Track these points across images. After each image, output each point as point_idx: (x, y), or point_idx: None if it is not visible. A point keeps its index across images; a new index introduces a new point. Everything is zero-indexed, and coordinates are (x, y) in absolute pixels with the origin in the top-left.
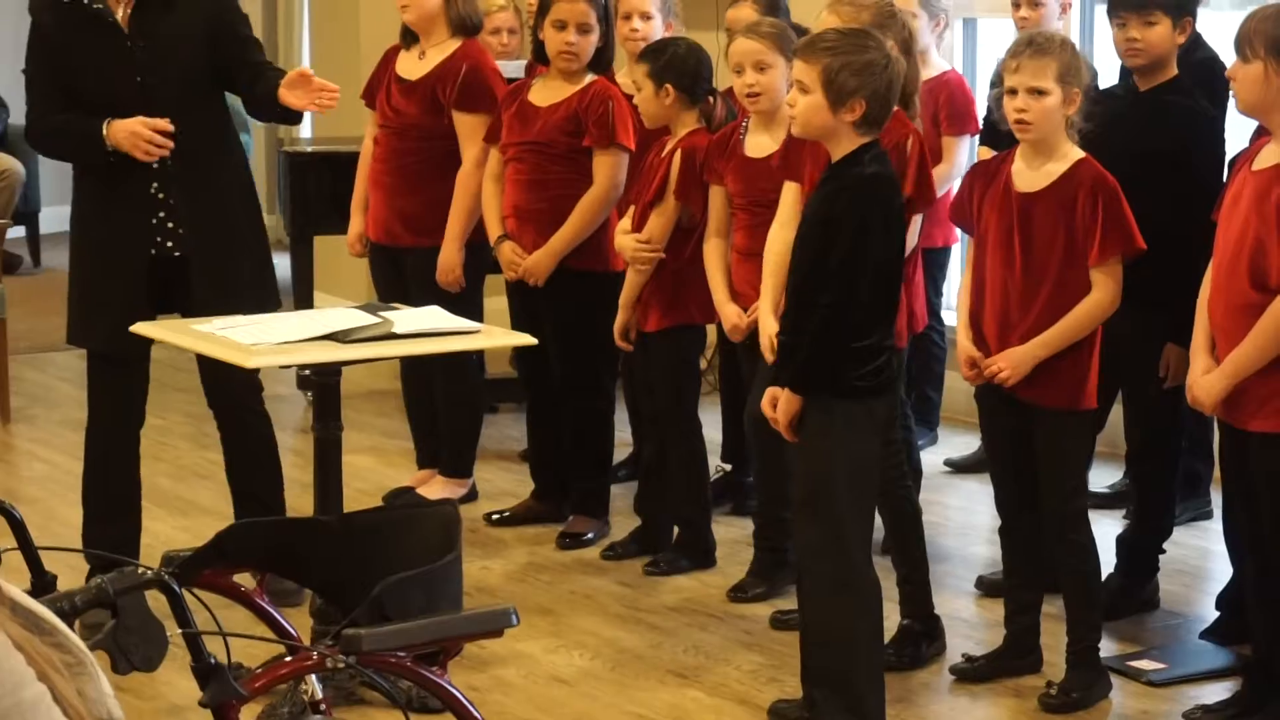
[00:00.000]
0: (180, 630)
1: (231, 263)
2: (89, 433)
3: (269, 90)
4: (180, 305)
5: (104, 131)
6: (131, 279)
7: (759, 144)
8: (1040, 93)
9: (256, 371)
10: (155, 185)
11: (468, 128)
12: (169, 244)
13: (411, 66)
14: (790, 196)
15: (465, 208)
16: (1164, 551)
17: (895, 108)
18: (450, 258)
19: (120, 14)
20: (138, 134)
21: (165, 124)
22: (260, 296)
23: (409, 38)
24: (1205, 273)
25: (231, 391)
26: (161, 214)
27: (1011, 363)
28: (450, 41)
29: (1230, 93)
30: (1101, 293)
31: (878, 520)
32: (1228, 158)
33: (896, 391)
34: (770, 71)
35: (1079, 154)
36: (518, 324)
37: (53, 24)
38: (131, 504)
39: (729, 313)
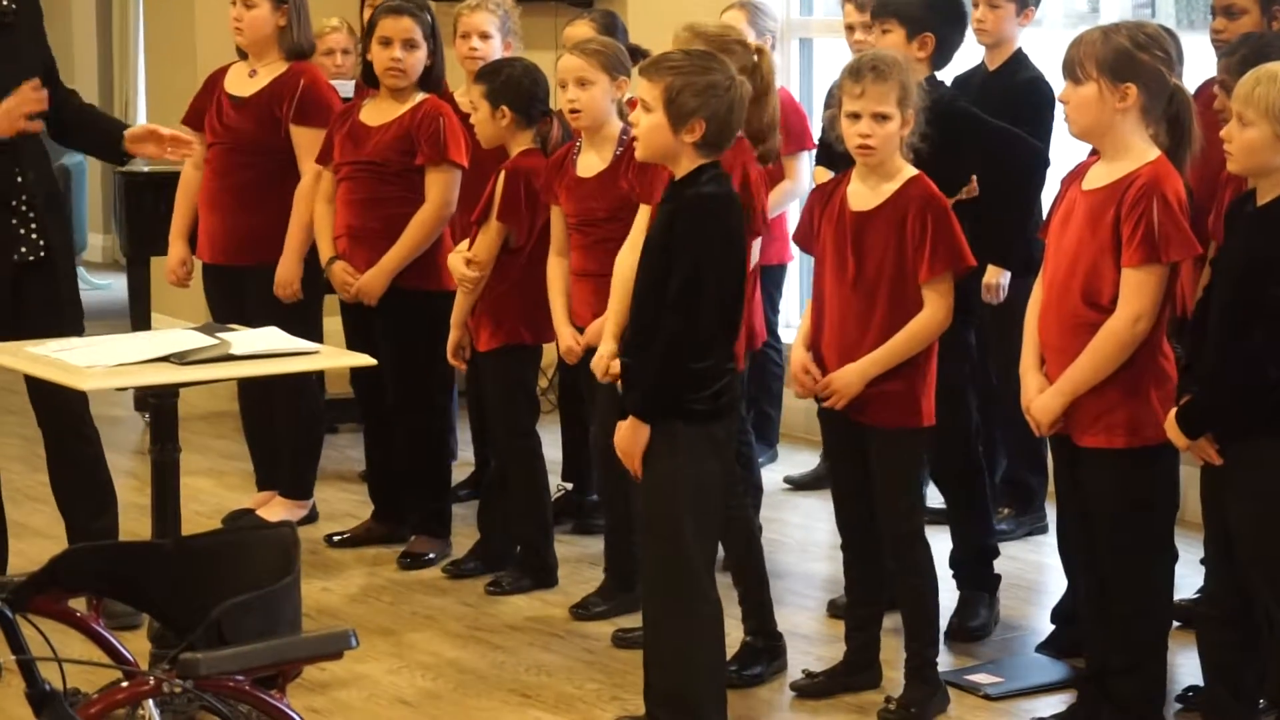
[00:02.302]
0: (14, 656)
1: (66, 279)
2: None
3: (107, 134)
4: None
5: None
6: None
7: (589, 163)
8: (884, 118)
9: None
10: (16, 196)
11: (306, 142)
12: (24, 249)
13: (242, 84)
14: (642, 218)
15: (303, 222)
16: (998, 553)
17: (741, 136)
18: (289, 271)
19: None
20: (12, 110)
21: (36, 87)
22: (75, 314)
23: (243, 53)
24: (1032, 290)
25: (60, 412)
26: (14, 221)
27: (842, 383)
28: (282, 63)
29: (1052, 116)
30: (932, 310)
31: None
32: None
33: (736, 414)
34: (592, 88)
35: (911, 172)
36: (352, 344)
37: None
38: None
39: (564, 334)
